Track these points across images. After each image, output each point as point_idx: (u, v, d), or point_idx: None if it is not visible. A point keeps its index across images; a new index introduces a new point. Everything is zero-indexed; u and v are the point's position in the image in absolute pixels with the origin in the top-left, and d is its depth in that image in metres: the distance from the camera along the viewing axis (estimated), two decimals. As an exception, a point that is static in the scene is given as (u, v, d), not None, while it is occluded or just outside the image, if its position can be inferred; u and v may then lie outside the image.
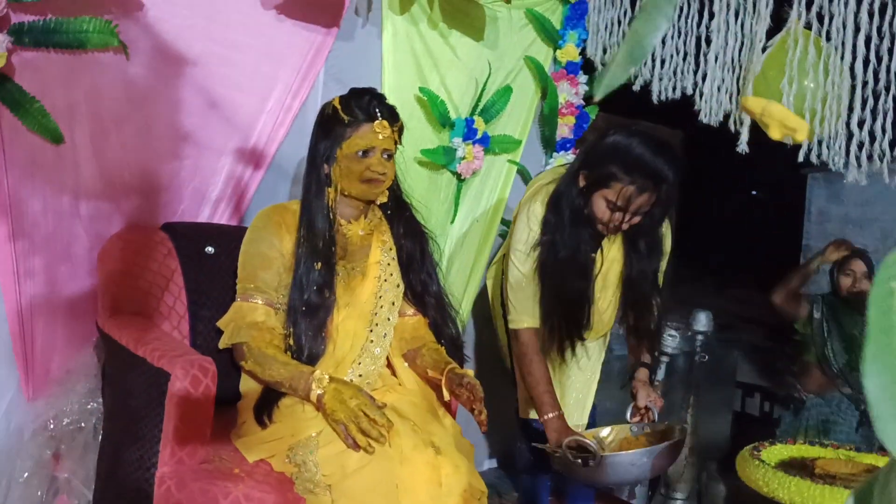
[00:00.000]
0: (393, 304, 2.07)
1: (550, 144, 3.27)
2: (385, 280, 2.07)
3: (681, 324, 3.61)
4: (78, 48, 2.11)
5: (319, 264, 1.95)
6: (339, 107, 1.98)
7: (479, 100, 3.00)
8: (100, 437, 2.11)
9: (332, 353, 1.98)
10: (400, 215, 2.14)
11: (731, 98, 2.68)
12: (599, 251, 2.33)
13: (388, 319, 2.06)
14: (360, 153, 1.96)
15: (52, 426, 2.11)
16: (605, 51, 3.08)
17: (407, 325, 2.13)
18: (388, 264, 2.09)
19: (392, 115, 2.01)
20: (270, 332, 1.93)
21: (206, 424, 1.82)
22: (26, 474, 2.10)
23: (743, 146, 2.52)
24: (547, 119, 3.24)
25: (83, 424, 2.12)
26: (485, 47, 3.00)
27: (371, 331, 2.04)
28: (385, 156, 1.99)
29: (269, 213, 2.03)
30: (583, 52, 3.23)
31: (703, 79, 2.74)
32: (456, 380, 1.92)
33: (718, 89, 2.69)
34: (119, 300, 2.14)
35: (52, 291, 2.22)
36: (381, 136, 1.96)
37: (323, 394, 1.77)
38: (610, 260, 2.37)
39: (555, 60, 3.26)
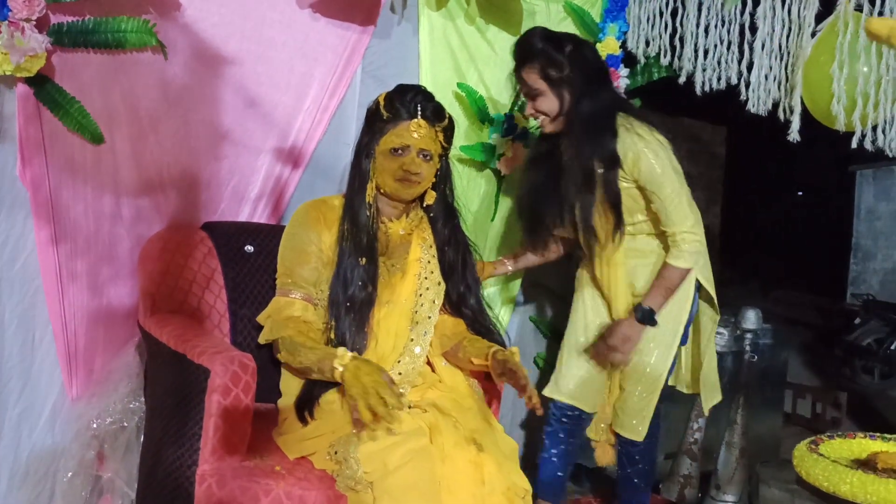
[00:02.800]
0: (434, 302, 2.04)
1: (591, 139, 3.20)
2: (425, 278, 2.04)
3: (728, 323, 3.52)
4: (116, 48, 2.11)
5: (364, 259, 1.94)
6: (382, 102, 1.95)
7: (518, 95, 2.95)
8: (142, 436, 2.10)
9: (374, 350, 1.95)
10: (447, 221, 2.10)
11: (779, 86, 2.61)
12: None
13: (429, 318, 2.03)
14: (395, 151, 1.93)
15: (94, 426, 2.11)
16: (647, 43, 3.01)
17: (447, 322, 2.10)
18: (429, 262, 2.06)
19: (436, 115, 1.96)
20: (307, 325, 1.92)
21: (246, 421, 1.80)
22: (70, 474, 2.11)
23: (794, 134, 2.46)
24: (587, 114, 3.17)
25: (125, 424, 2.12)
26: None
27: (412, 329, 2.01)
28: (422, 156, 1.95)
29: (309, 209, 2.01)
30: (623, 45, 3.16)
31: (749, 68, 2.67)
32: (499, 367, 1.89)
33: (766, 78, 2.62)
34: (159, 299, 2.14)
35: (95, 293, 2.22)
36: (416, 136, 1.92)
37: (343, 370, 1.74)
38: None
39: (595, 54, 3.18)
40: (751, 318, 3.41)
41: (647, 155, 2.25)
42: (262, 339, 1.97)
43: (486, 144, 2.88)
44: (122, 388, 2.17)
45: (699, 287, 2.46)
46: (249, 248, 2.28)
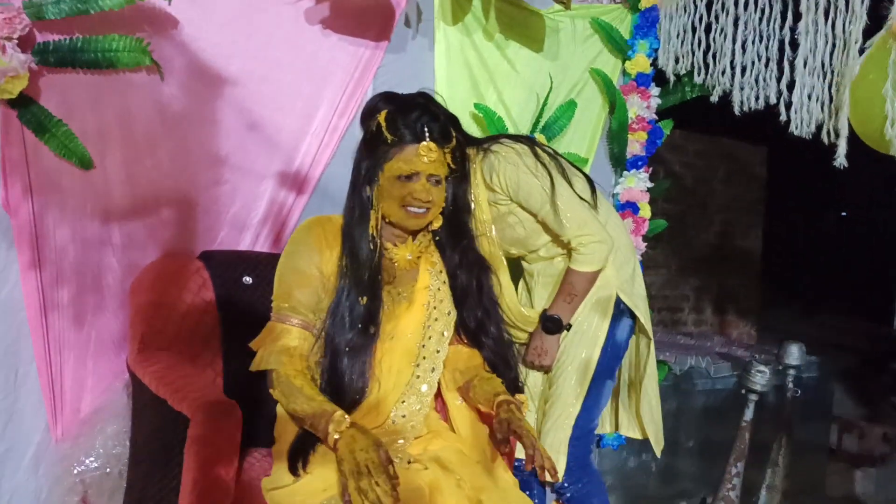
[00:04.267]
0: (443, 334, 1.86)
1: (620, 162, 3.03)
2: (434, 307, 1.86)
3: (770, 357, 3.31)
4: (107, 68, 1.99)
5: (365, 298, 1.76)
6: (383, 123, 1.76)
7: (540, 116, 2.80)
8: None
9: (376, 394, 1.78)
10: (456, 243, 1.91)
11: (822, 107, 2.41)
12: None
13: (438, 352, 1.85)
14: (402, 177, 1.75)
15: (76, 471, 1.97)
16: (677, 60, 2.84)
17: (461, 355, 1.91)
18: (439, 289, 1.88)
19: (444, 136, 1.77)
20: (302, 359, 1.74)
21: (229, 476, 1.65)
22: (50, 522, 1.97)
23: (841, 159, 2.25)
24: (616, 135, 3.01)
25: (109, 469, 1.98)
26: (546, 59, 2.80)
27: (417, 365, 1.83)
28: (432, 181, 1.78)
29: (310, 226, 1.82)
30: (654, 63, 2.99)
31: (790, 87, 2.47)
32: (502, 428, 1.69)
33: (809, 97, 2.42)
34: (149, 334, 2.00)
35: (81, 325, 2.10)
36: (426, 160, 1.74)
37: (339, 439, 1.57)
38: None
39: (623, 72, 3.04)
40: (794, 354, 3.20)
41: (510, 170, 2.11)
42: (253, 367, 1.77)
43: (506, 168, 2.71)
44: (109, 430, 2.04)
45: (628, 310, 2.26)
46: (248, 280, 2.14)
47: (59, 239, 2.03)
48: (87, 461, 1.99)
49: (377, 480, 1.47)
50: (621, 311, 2.24)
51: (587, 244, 2.13)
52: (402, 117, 1.76)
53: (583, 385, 2.20)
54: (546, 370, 2.26)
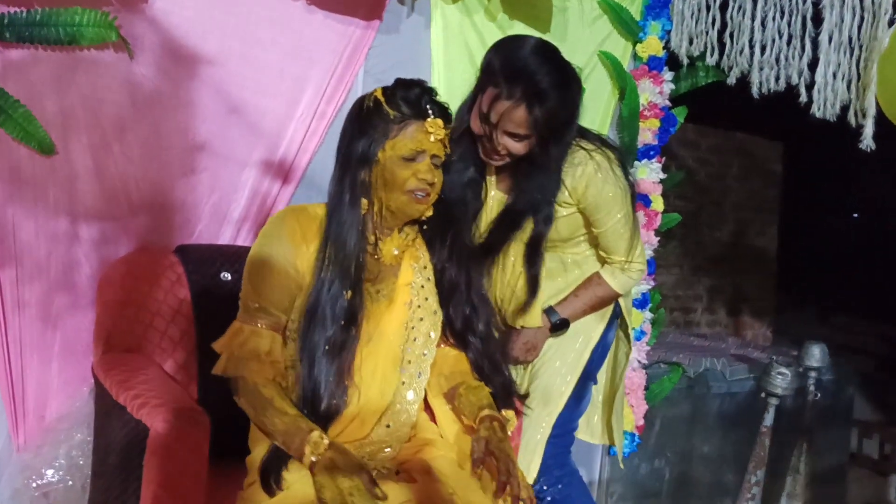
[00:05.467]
0: (429, 335, 1.69)
1: (631, 151, 2.85)
2: (418, 306, 1.69)
3: (789, 358, 3.14)
4: (70, 44, 1.84)
5: (350, 293, 1.59)
6: (382, 99, 1.60)
7: (545, 102, 2.61)
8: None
9: (356, 403, 1.60)
10: (445, 234, 1.74)
11: (849, 86, 2.23)
12: (485, 186, 1.96)
13: (424, 355, 1.68)
14: (407, 158, 1.59)
15: (34, 484, 1.80)
16: (691, 41, 2.66)
17: (448, 358, 1.74)
18: (423, 286, 1.70)
19: (445, 115, 1.64)
20: (273, 365, 1.58)
21: (196, 490, 1.48)
22: (9, 540, 1.81)
23: (868, 141, 2.08)
24: (626, 123, 2.83)
25: (71, 482, 1.81)
26: (552, 41, 2.61)
27: (402, 369, 1.66)
28: (434, 163, 1.63)
29: (283, 217, 1.65)
30: (666, 46, 2.82)
31: (813, 66, 2.29)
32: (479, 449, 1.52)
33: (834, 76, 2.24)
34: (115, 335, 1.84)
35: (47, 325, 1.94)
36: (433, 138, 1.59)
37: (316, 462, 1.41)
38: (494, 199, 1.98)
39: (634, 56, 2.86)
40: (815, 355, 3.03)
41: (598, 180, 1.91)
42: (216, 371, 1.60)
43: (508, 154, 2.54)
44: (75, 438, 1.87)
45: (619, 314, 2.17)
46: (226, 276, 1.97)
47: (21, 232, 1.88)
48: (47, 473, 1.83)
49: None
50: (615, 313, 2.14)
51: (633, 270, 2.04)
52: (402, 92, 1.61)
53: (569, 384, 2.07)
54: (525, 365, 2.12)
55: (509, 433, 1.61)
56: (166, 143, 2.03)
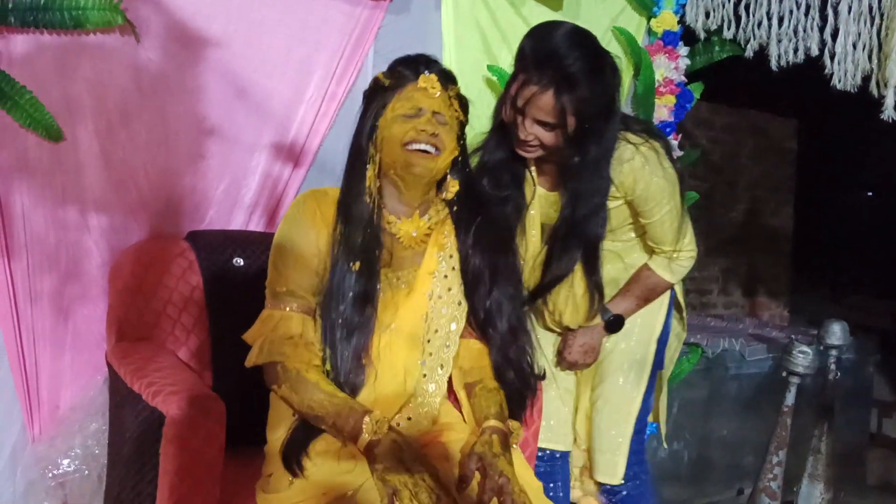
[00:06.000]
0: (451, 327, 1.64)
1: (646, 129, 2.80)
2: (440, 297, 1.63)
3: (809, 337, 3.09)
4: (75, 28, 1.80)
5: (357, 264, 1.54)
6: (381, 75, 1.62)
7: (558, 80, 2.57)
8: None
9: (372, 386, 1.57)
10: (473, 217, 1.68)
11: (870, 55, 2.17)
12: (528, 179, 1.92)
13: (447, 347, 1.63)
14: (405, 116, 1.56)
15: (50, 474, 1.79)
16: (707, 15, 2.60)
17: (471, 351, 1.69)
18: (446, 276, 1.64)
19: (445, 76, 1.61)
20: (309, 348, 1.54)
21: (211, 479, 1.45)
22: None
23: (889, 111, 2.03)
24: (641, 99, 2.78)
25: (87, 472, 1.79)
26: (564, 18, 2.58)
27: (423, 362, 1.61)
28: (438, 119, 1.58)
29: (304, 200, 1.63)
30: (682, 20, 2.76)
31: (834, 36, 2.24)
32: (470, 463, 1.44)
33: (854, 46, 2.18)
34: (128, 323, 1.81)
35: (60, 316, 1.91)
36: (429, 91, 1.57)
37: (376, 443, 1.38)
38: (539, 196, 1.93)
39: (649, 31, 2.81)
40: (836, 333, 2.97)
41: (646, 174, 1.85)
42: (249, 362, 1.57)
43: (522, 136, 2.50)
44: (90, 428, 1.85)
45: (674, 297, 2.15)
46: (239, 261, 1.94)
47: (30, 222, 1.85)
48: (63, 463, 1.81)
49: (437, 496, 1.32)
50: (671, 298, 2.12)
51: (683, 258, 2.00)
52: (401, 63, 1.62)
53: (642, 378, 2.05)
54: (583, 368, 2.08)
55: (515, 445, 1.56)
56: (174, 128, 2.00)
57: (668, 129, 2.80)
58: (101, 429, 1.84)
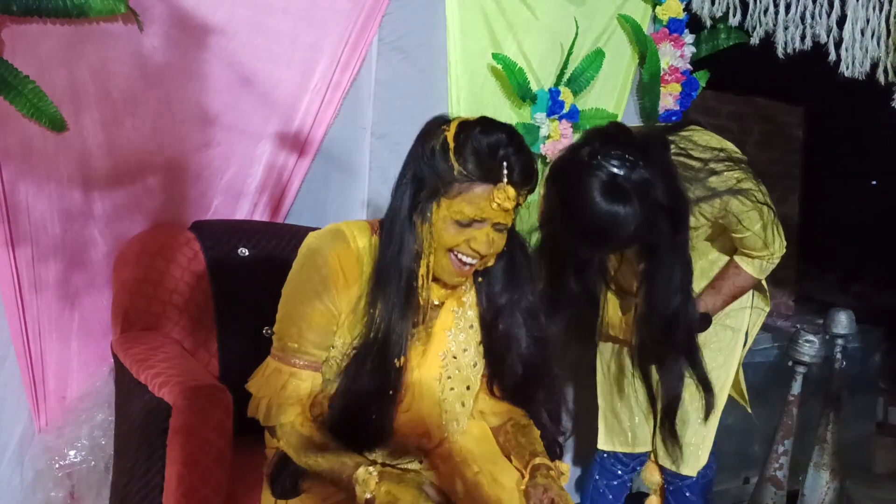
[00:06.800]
0: (468, 388, 1.55)
1: (652, 117, 2.78)
2: (454, 357, 1.54)
3: (815, 326, 3.07)
4: (78, 17, 1.79)
5: (397, 361, 1.45)
6: (452, 145, 1.37)
7: (564, 67, 2.55)
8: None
9: (391, 447, 1.52)
10: (507, 283, 1.54)
11: (879, 42, 2.15)
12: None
13: (463, 405, 1.56)
14: (462, 223, 1.39)
15: (57, 465, 1.79)
16: (712, 2, 2.58)
17: (486, 401, 1.64)
18: (463, 334, 1.55)
19: (525, 176, 1.39)
20: (314, 409, 1.49)
21: (219, 469, 1.45)
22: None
23: (901, 99, 2.01)
24: (647, 88, 2.75)
25: (94, 463, 1.79)
26: (570, 5, 2.56)
27: (442, 426, 1.54)
28: (497, 229, 1.42)
29: (326, 255, 1.45)
30: (687, 8, 2.74)
31: (841, 23, 2.22)
32: (535, 496, 1.41)
33: (862, 33, 2.16)
34: (133, 313, 1.81)
35: (65, 305, 1.91)
36: (496, 207, 1.37)
37: (372, 499, 1.32)
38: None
39: (654, 18, 2.78)
40: (842, 322, 2.96)
41: (735, 204, 1.80)
42: (251, 414, 1.49)
43: (527, 125, 2.49)
44: (96, 418, 1.85)
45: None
46: (244, 251, 1.94)
47: (35, 211, 1.84)
48: (70, 454, 1.81)
49: None
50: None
51: (775, 260, 1.95)
52: (476, 143, 1.36)
53: (730, 374, 2.08)
54: None
55: (563, 485, 1.49)
56: (179, 116, 1.99)
57: (673, 118, 2.78)
58: (107, 419, 1.84)
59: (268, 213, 2.17)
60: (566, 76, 2.56)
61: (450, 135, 1.37)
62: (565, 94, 2.51)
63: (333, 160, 2.25)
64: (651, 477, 2.22)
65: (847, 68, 2.23)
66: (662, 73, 2.76)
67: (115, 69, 1.88)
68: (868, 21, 2.16)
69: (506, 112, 2.49)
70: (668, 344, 1.80)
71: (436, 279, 1.48)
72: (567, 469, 1.52)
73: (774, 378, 3.31)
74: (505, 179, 1.35)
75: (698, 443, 2.08)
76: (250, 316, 1.84)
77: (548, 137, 2.51)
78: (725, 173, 1.75)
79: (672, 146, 1.73)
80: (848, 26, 2.19)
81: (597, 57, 2.61)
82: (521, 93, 2.46)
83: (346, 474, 1.35)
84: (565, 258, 1.79)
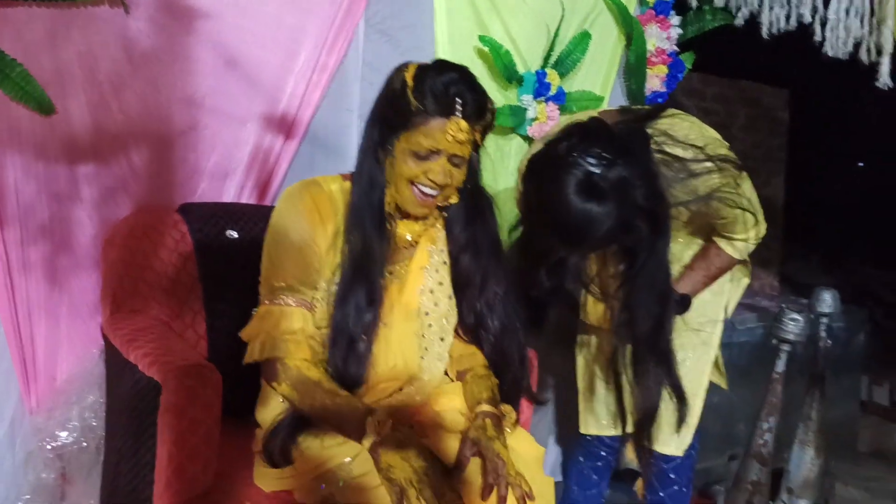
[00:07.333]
0: (446, 320, 1.64)
1: (638, 100, 2.79)
2: (431, 291, 1.63)
3: (800, 306, 3.11)
4: (65, 0, 1.79)
5: (372, 282, 1.53)
6: (410, 84, 1.49)
7: (551, 49, 2.56)
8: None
9: (373, 381, 1.57)
10: (468, 224, 1.65)
11: (862, 21, 2.17)
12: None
13: (442, 340, 1.64)
14: (419, 155, 1.49)
15: (49, 446, 1.80)
16: (698, -17, 2.60)
17: (458, 344, 1.70)
18: (437, 270, 1.65)
19: (479, 110, 1.51)
20: (310, 343, 1.53)
21: (208, 448, 1.47)
22: (24, 500, 1.81)
23: (885, 79, 2.04)
24: (633, 69, 2.76)
25: (85, 444, 1.81)
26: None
27: (422, 357, 1.61)
28: (453, 162, 1.52)
29: (299, 194, 1.58)
30: (673, -12, 2.75)
31: (826, 2, 2.23)
32: (467, 449, 1.47)
33: (847, 12, 2.18)
34: (122, 295, 1.82)
35: (54, 286, 1.92)
36: (450, 139, 1.47)
37: (381, 442, 1.39)
38: None
39: (640, 0, 2.78)
40: (827, 301, 2.99)
41: (714, 203, 1.81)
42: (249, 359, 1.54)
43: (514, 107, 2.50)
44: (87, 400, 1.87)
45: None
46: (232, 233, 1.95)
47: (22, 194, 1.84)
48: (62, 435, 1.82)
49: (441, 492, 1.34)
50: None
51: (754, 241, 1.96)
52: (433, 83, 1.48)
53: (710, 354, 2.06)
54: None
55: (508, 430, 1.57)
56: (165, 99, 1.99)
57: (660, 100, 2.80)
58: (98, 401, 1.85)
59: (255, 195, 2.17)
60: (553, 58, 2.57)
61: (409, 75, 1.50)
62: (552, 77, 2.52)
63: (320, 142, 2.25)
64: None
65: (831, 48, 2.25)
66: (649, 54, 2.77)
67: (101, 52, 1.88)
68: (852, 1, 2.18)
69: (493, 94, 2.44)
70: (646, 350, 1.78)
71: (405, 214, 1.57)
72: (510, 410, 1.60)
73: (760, 358, 3.35)
74: (458, 113, 1.46)
75: (680, 442, 2.07)
76: (238, 297, 1.84)
77: (535, 119, 2.52)
78: (704, 176, 1.73)
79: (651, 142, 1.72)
80: (833, 6, 2.21)
81: (583, 39, 2.62)
82: (508, 75, 2.47)
83: (357, 417, 1.42)
84: (542, 255, 1.78)
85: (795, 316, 2.81)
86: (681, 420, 1.90)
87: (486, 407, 1.55)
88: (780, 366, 2.89)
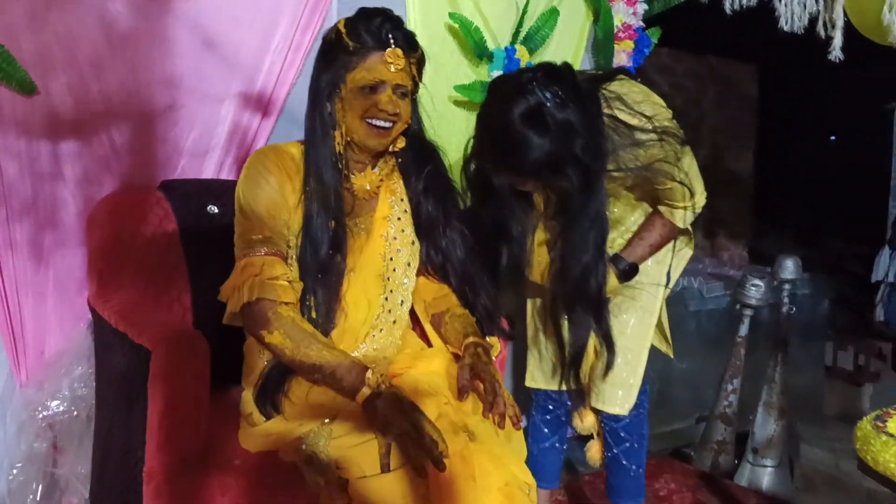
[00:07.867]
0: (408, 265, 1.75)
1: (606, 74, 2.86)
2: (395, 238, 1.74)
3: (765, 274, 3.22)
4: (43, -18, 1.83)
5: (334, 222, 1.63)
6: (343, 30, 1.60)
7: (520, 26, 2.63)
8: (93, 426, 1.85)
9: (342, 325, 1.67)
10: (421, 167, 1.78)
11: (816, -3, 2.25)
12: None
13: (405, 283, 1.74)
14: (366, 89, 1.59)
15: (41, 415, 1.86)
16: (663, -39, 2.66)
17: (430, 287, 1.81)
18: (399, 219, 1.75)
19: (409, 43, 1.63)
20: (295, 287, 1.57)
21: (198, 412, 1.54)
22: (17, 468, 1.87)
23: (836, 52, 2.12)
24: (601, 45, 2.84)
25: (76, 413, 1.87)
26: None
27: (386, 299, 1.72)
28: (398, 93, 1.63)
29: (265, 154, 1.66)
30: (639, -34, 2.82)
31: (786, -22, 2.31)
32: (465, 374, 1.58)
33: (801, -13, 2.26)
34: (108, 271, 1.87)
35: (40, 264, 1.97)
36: (392, 68, 1.59)
37: (377, 395, 1.44)
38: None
39: (607, -23, 2.85)
40: (789, 268, 3.10)
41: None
42: (234, 308, 1.55)
43: (484, 83, 2.56)
44: (75, 372, 1.93)
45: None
46: (213, 209, 2.01)
47: (6, 172, 1.89)
48: (52, 405, 1.88)
49: (436, 439, 1.38)
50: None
51: (697, 210, 2.00)
52: (364, 23, 1.60)
53: (653, 317, 2.09)
54: None
55: (494, 358, 1.67)
56: (144, 79, 2.03)
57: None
58: (87, 372, 1.92)
59: (234, 171, 2.23)
60: (521, 34, 2.64)
61: (340, 25, 1.62)
62: (521, 53, 2.59)
63: (296, 119, 2.28)
64: (585, 421, 2.24)
65: (787, 23, 2.33)
66: (616, 30, 2.84)
67: (80, 34, 1.92)
68: (807, -24, 2.26)
69: (464, 70, 2.56)
70: (579, 299, 1.87)
71: (362, 155, 1.68)
72: (496, 342, 1.71)
73: (727, 325, 3.45)
74: (392, 44, 1.59)
75: (623, 383, 2.10)
76: (222, 271, 1.86)
77: (505, 95, 2.58)
78: (647, 145, 1.80)
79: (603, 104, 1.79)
80: (789, -20, 2.28)
81: (552, 15, 2.68)
82: (479, 51, 2.53)
83: (355, 371, 1.47)
84: (486, 185, 1.86)
85: (757, 282, 2.91)
86: (608, 367, 1.98)
87: (473, 339, 1.66)
88: (743, 330, 3.00)
